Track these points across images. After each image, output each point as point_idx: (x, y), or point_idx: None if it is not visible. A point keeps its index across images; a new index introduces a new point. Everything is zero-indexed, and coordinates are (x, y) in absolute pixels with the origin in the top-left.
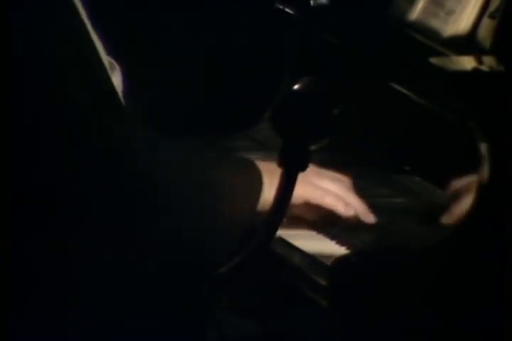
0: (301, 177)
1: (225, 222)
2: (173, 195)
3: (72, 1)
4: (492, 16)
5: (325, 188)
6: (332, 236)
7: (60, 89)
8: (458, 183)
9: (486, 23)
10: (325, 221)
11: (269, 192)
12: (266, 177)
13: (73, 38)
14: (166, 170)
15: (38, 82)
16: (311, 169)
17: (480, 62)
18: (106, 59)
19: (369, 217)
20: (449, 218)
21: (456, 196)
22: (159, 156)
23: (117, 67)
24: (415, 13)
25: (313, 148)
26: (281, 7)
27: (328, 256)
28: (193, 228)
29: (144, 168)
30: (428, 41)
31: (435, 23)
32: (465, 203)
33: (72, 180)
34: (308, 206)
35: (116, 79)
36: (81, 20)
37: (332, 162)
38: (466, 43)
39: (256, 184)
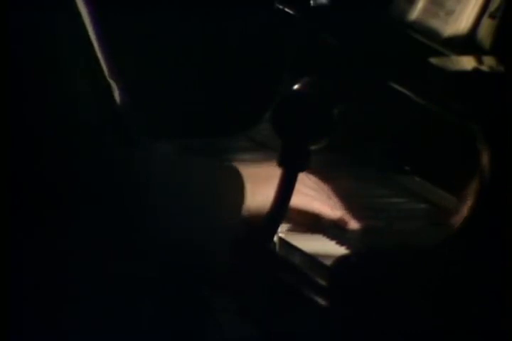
0: None
1: (211, 231)
2: (160, 206)
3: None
4: (492, 16)
5: (309, 194)
6: (332, 236)
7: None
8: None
9: (486, 23)
10: (318, 224)
11: (252, 199)
12: (248, 184)
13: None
14: (156, 181)
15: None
16: None
17: (480, 62)
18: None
19: (350, 221)
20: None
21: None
22: (152, 168)
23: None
24: (415, 13)
25: (313, 148)
26: (281, 7)
27: (328, 256)
28: (182, 239)
29: (137, 179)
30: (428, 41)
31: (435, 23)
32: None
33: (70, 186)
34: (298, 212)
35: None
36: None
37: (332, 162)
38: (466, 43)
39: (237, 194)
